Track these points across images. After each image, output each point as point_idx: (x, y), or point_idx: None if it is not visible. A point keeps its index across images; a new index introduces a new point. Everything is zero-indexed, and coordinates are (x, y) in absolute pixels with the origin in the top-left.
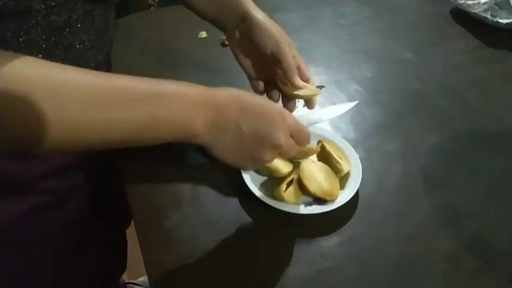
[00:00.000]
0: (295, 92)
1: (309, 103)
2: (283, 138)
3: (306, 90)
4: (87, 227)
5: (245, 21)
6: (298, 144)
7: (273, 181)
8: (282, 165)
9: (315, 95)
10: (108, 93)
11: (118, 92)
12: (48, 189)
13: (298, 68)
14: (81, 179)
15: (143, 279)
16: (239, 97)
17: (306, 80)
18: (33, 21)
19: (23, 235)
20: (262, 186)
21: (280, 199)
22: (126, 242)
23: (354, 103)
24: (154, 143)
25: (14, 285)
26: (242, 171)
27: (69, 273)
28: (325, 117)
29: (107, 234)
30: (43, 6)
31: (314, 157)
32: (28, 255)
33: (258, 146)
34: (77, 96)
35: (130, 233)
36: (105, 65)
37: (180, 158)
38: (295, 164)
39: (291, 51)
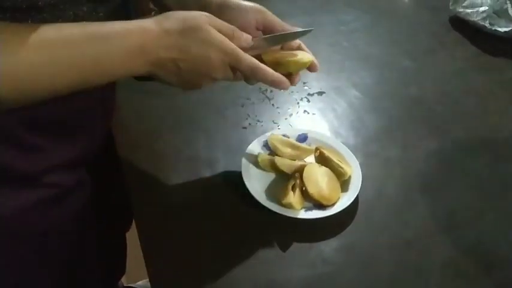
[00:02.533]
0: (292, 59)
1: (311, 67)
2: (219, 74)
3: (301, 55)
4: (88, 226)
5: (210, 7)
6: (248, 76)
7: (274, 186)
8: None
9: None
10: (50, 38)
11: (59, 36)
12: (53, 183)
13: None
14: (84, 175)
15: (142, 283)
16: (173, 35)
17: (298, 47)
18: (39, 16)
19: (28, 228)
20: (264, 191)
21: (288, 206)
22: (125, 245)
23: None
24: (103, 82)
25: (17, 278)
26: (243, 177)
27: (70, 271)
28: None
29: (107, 236)
30: (48, 2)
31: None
32: (31, 250)
33: (199, 79)
34: (22, 41)
35: (130, 236)
36: None
37: (180, 159)
38: (299, 168)
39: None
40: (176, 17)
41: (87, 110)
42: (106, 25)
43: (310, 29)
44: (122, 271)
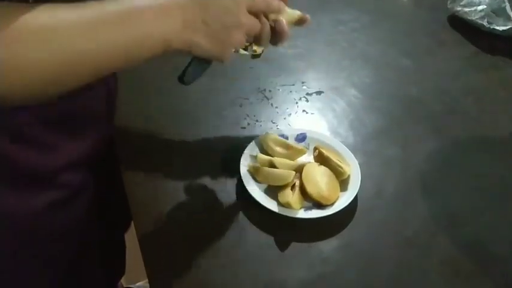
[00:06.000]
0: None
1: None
2: (242, 17)
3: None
4: (90, 227)
5: None
6: (264, 9)
7: (272, 186)
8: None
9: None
10: (83, 23)
11: (91, 20)
12: (65, 184)
13: None
14: (89, 175)
15: (141, 284)
16: None
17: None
18: None
19: (38, 230)
20: (263, 191)
21: (286, 205)
22: (125, 245)
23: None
24: (133, 63)
25: (20, 279)
26: (242, 177)
27: (72, 272)
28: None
29: (107, 236)
30: None
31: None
32: (38, 251)
33: (225, 31)
34: (55, 30)
35: (129, 237)
36: None
37: (182, 160)
38: (298, 168)
39: None
40: None
41: (94, 106)
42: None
43: None
44: (121, 271)
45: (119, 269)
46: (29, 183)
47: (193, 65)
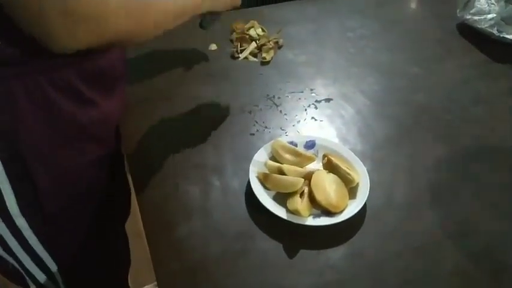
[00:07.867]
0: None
1: None
2: None
3: None
4: (103, 201)
5: None
6: None
7: (281, 193)
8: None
9: None
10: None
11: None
12: (101, 139)
13: None
14: (114, 137)
15: (148, 287)
16: None
17: None
18: None
19: (85, 183)
20: (271, 198)
21: (295, 212)
22: (127, 236)
23: None
24: (180, 21)
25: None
26: (252, 183)
27: (100, 232)
28: None
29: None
30: None
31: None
32: (84, 201)
33: None
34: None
35: (137, 242)
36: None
37: (189, 166)
38: (307, 175)
39: None
40: None
41: (119, 66)
42: None
43: None
44: (127, 262)
45: (126, 258)
46: (77, 137)
47: (206, 16)
